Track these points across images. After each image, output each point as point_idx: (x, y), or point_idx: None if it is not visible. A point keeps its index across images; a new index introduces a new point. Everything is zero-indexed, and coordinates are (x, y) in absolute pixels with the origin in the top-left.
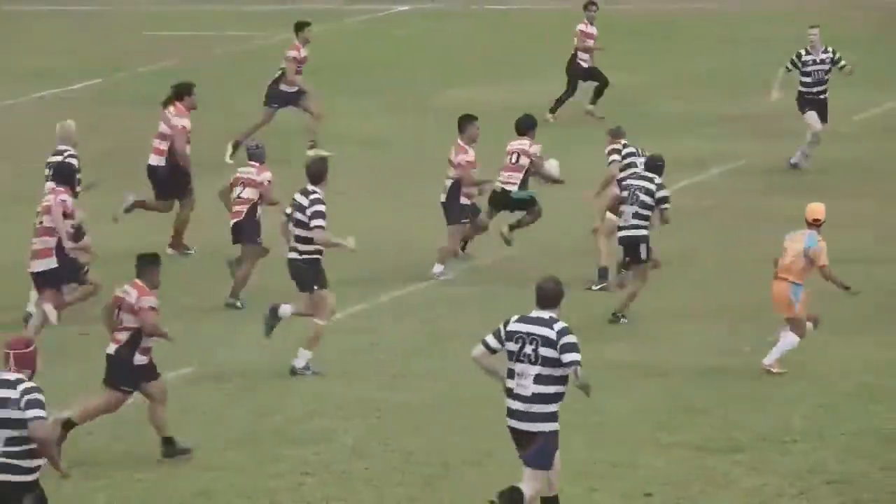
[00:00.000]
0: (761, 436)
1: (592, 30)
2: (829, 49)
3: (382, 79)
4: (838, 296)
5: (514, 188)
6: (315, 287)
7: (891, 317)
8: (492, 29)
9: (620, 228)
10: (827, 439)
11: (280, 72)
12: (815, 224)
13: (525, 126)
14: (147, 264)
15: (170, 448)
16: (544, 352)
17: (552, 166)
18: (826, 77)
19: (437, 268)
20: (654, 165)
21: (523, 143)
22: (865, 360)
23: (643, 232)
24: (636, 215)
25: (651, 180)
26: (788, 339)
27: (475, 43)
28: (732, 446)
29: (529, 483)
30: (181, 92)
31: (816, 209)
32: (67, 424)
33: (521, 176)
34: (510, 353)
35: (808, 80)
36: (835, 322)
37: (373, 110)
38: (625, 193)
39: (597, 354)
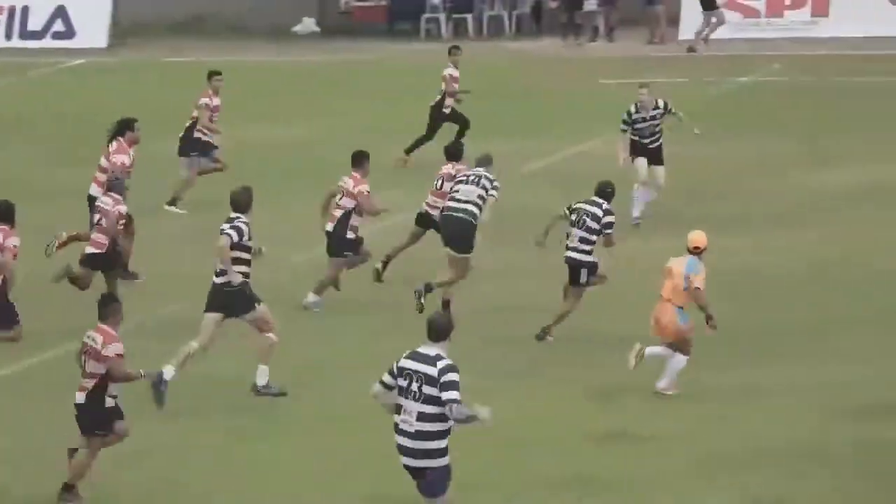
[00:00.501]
0: None
1: (457, 73)
2: (660, 104)
3: (59, 130)
4: (509, 343)
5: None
6: (255, 304)
7: (565, 361)
8: (166, 82)
9: (567, 249)
10: (503, 488)
11: (192, 121)
12: (695, 251)
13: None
14: (109, 305)
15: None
16: (427, 390)
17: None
18: (657, 130)
19: (312, 297)
20: (604, 192)
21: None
22: (545, 404)
23: (588, 258)
24: (582, 240)
25: (599, 206)
26: (679, 359)
27: (148, 95)
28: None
29: None
30: (123, 128)
31: (696, 238)
32: (67, 487)
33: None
34: (399, 388)
35: (636, 133)
36: (507, 368)
37: (48, 161)
38: (573, 216)
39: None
